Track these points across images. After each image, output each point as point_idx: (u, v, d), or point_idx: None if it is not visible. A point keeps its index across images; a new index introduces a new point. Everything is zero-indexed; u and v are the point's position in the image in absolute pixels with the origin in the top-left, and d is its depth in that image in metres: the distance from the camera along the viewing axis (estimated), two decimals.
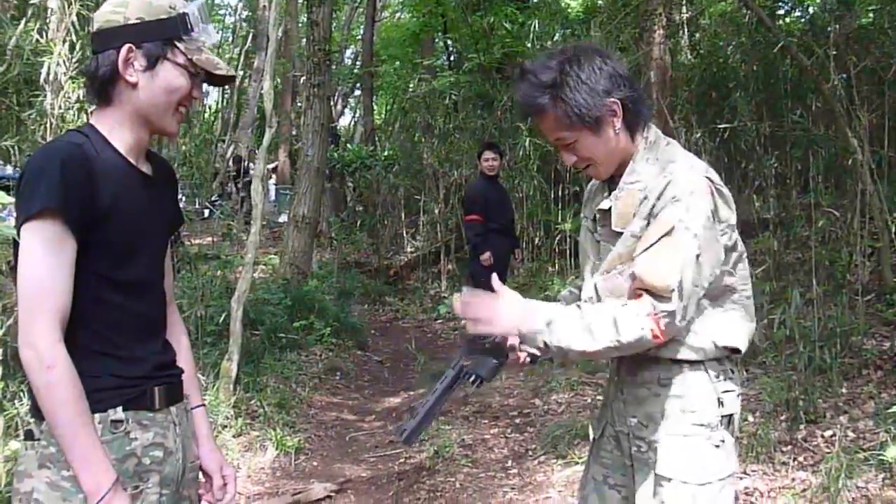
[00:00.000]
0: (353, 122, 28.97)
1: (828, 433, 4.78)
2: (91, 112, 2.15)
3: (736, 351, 2.34)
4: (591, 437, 2.65)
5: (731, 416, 2.32)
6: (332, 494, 5.18)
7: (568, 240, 11.71)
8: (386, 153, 14.44)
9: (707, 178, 2.24)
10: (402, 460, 5.86)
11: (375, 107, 21.55)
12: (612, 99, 2.27)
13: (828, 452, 4.54)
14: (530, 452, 5.53)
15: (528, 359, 2.44)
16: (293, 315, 8.93)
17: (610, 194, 2.40)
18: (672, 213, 2.16)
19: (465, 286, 2.71)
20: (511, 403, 6.74)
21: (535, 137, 11.73)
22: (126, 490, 1.94)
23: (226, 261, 9.63)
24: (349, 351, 9.16)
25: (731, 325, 2.31)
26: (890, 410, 4.64)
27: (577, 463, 5.14)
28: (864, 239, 6.76)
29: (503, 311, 2.17)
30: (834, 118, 7.73)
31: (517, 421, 6.27)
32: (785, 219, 8.94)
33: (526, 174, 12.16)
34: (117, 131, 2.04)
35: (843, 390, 5.21)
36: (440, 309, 11.74)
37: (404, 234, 15.19)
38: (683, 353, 2.30)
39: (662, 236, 2.15)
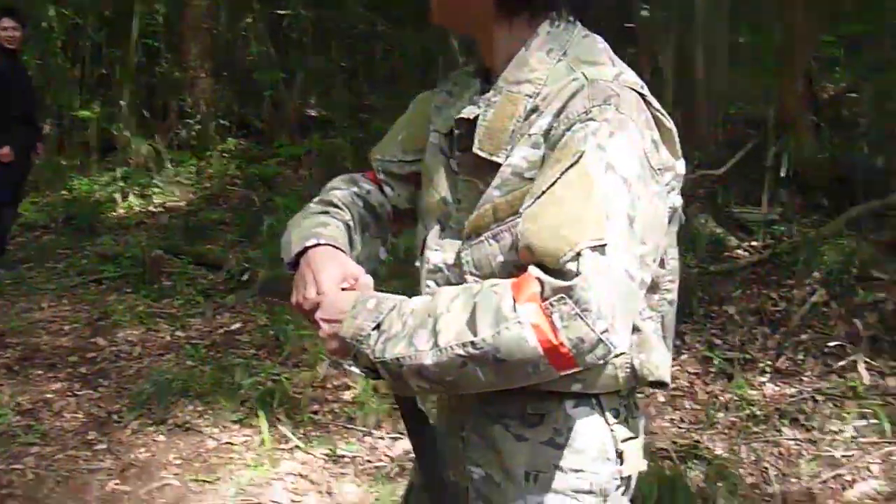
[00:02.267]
0: None
1: None
2: None
3: (659, 385, 1.56)
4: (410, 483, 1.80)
5: (629, 477, 1.54)
6: None
7: (89, 130, 10.19)
8: None
9: (641, 94, 1.41)
10: None
11: None
12: None
13: None
14: (115, 417, 4.43)
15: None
16: None
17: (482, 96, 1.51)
18: (582, 137, 1.32)
19: None
20: (66, 344, 5.43)
21: (63, 6, 9.93)
22: None
23: None
24: None
25: (648, 345, 1.50)
26: None
27: (185, 429, 4.21)
28: None
29: (329, 305, 1.44)
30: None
31: (82, 370, 5.03)
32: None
33: (39, 49, 10.23)
34: None
35: None
36: None
37: None
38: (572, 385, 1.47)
39: (566, 170, 1.30)
